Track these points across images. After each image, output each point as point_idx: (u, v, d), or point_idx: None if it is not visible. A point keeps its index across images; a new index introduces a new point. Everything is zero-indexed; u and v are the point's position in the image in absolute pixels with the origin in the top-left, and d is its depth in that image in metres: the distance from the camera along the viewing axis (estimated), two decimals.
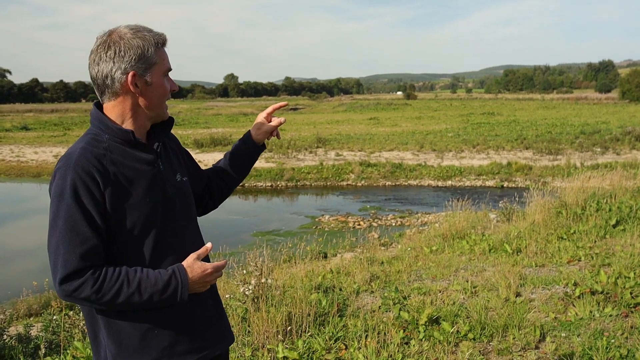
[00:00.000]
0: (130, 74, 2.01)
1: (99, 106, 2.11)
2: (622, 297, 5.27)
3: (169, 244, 2.12)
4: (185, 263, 2.08)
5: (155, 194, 2.08)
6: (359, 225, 16.09)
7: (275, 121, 2.59)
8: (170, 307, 2.07)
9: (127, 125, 2.08)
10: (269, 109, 2.60)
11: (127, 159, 2.05)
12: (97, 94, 2.10)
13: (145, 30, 2.06)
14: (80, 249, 1.89)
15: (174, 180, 2.20)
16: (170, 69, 2.14)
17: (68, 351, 4.52)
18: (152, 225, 2.05)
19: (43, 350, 4.69)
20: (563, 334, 4.70)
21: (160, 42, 2.08)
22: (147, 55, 2.03)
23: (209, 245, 2.18)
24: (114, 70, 2.01)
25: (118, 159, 2.02)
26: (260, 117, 2.60)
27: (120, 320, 2.02)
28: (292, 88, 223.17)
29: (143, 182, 2.06)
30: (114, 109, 2.07)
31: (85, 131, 2.10)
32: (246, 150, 2.60)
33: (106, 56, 2.01)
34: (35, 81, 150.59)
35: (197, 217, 2.39)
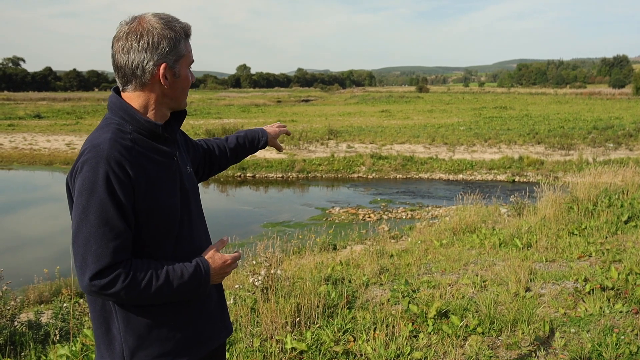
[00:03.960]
0: (163, 65, 1.98)
1: (118, 93, 2.06)
2: (632, 294, 5.24)
3: (187, 237, 2.12)
4: (206, 255, 2.11)
5: (175, 187, 2.07)
6: (369, 217, 16.07)
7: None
8: (188, 299, 2.08)
9: (150, 115, 2.04)
10: (283, 130, 3.00)
11: (150, 152, 2.01)
12: (119, 81, 2.04)
13: (174, 20, 2.02)
14: (113, 243, 1.85)
15: (186, 172, 2.19)
16: (193, 61, 2.12)
17: (78, 338, 4.55)
18: (174, 218, 2.04)
19: (55, 337, 4.73)
20: (572, 330, 4.69)
21: (188, 33, 2.07)
22: (178, 47, 2.01)
23: (225, 238, 2.20)
24: (146, 61, 1.97)
25: (143, 151, 1.99)
26: (277, 128, 2.97)
27: (140, 313, 2.00)
28: (305, 79, 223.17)
29: (165, 175, 2.04)
30: (138, 99, 2.02)
31: (104, 119, 2.03)
32: (257, 146, 2.88)
33: (138, 46, 1.96)
34: (48, 70, 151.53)
35: (203, 206, 2.40)
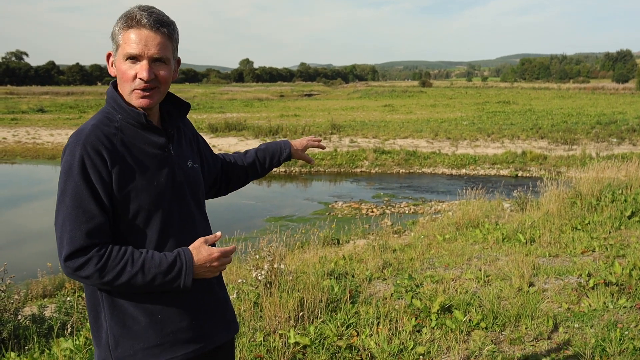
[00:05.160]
0: (107, 54, 2.07)
1: (116, 85, 2.09)
2: (636, 289, 5.24)
3: (177, 230, 2.08)
4: (191, 246, 2.05)
5: (163, 179, 2.05)
6: (372, 212, 16.06)
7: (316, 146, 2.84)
8: (177, 292, 2.04)
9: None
10: (314, 142, 2.81)
11: (137, 141, 2.03)
12: None
13: (133, 8, 2.00)
14: (86, 226, 1.88)
15: (184, 166, 2.17)
16: (131, 54, 1.97)
17: (81, 332, 4.56)
18: (159, 210, 2.02)
19: (67, 331, 4.74)
20: (576, 325, 4.69)
21: (127, 22, 1.98)
22: (114, 34, 2.02)
23: (218, 233, 2.15)
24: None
25: (128, 140, 2.00)
26: (305, 141, 2.79)
27: (126, 301, 1.99)
28: (307, 74, 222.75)
29: (151, 165, 2.03)
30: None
31: (100, 109, 2.08)
32: (279, 159, 2.74)
33: None
34: (51, 64, 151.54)
35: (207, 201, 2.38)
